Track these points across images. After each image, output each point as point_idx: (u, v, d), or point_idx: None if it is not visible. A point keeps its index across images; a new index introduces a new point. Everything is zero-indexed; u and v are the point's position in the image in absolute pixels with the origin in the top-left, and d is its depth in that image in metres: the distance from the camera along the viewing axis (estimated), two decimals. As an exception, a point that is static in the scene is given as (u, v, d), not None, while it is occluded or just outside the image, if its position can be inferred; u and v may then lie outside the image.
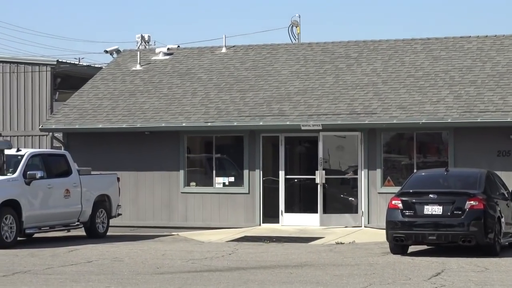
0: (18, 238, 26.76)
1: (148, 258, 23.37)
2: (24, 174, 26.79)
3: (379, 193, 30.59)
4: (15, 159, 26.90)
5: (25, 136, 37.45)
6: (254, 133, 32.53)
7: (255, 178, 32.61)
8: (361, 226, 30.86)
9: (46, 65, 41.30)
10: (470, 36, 36.23)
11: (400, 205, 23.85)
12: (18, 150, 28.09)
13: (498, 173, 26.62)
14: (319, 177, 31.94)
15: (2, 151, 6.71)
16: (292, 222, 31.98)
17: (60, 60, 43.28)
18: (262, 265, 21.89)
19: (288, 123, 31.91)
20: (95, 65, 43.73)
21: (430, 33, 38.49)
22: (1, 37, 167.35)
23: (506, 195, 25.16)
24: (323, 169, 32.03)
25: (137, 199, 32.72)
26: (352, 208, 31.85)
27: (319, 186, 32.04)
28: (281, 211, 32.39)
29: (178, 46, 39.43)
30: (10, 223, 26.19)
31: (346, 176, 32.73)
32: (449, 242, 23.49)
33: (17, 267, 21.06)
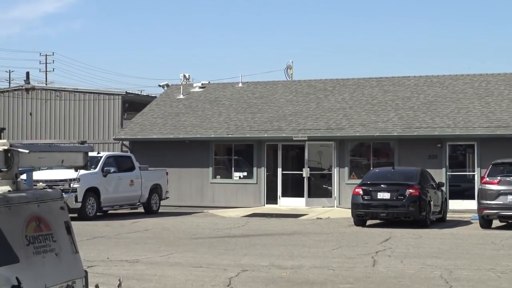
0: (97, 214, 27.05)
1: (186, 228, 23.44)
2: (102, 169, 27.23)
3: (346, 184, 30.44)
4: (96, 159, 27.11)
5: (103, 143, 37.45)
6: (260, 142, 32.47)
7: (261, 173, 32.53)
8: (334, 207, 30.71)
9: (118, 94, 41.35)
10: (409, 76, 36.10)
11: (361, 192, 23.99)
12: (98, 153, 28.35)
13: (429, 170, 26.58)
14: (305, 172, 31.84)
15: (87, 153, 6.69)
16: (286, 204, 31.84)
17: (127, 91, 43.33)
18: (266, 233, 21.93)
19: (284, 135, 31.85)
20: (152, 95, 43.65)
21: (382, 73, 38.73)
22: (86, 75, 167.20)
23: (434, 186, 25.27)
24: (308, 167, 31.99)
25: (180, 187, 32.65)
26: (328, 194, 31.71)
27: (305, 178, 31.91)
28: (279, 195, 32.28)
29: (209, 82, 39.33)
30: (92, 203, 26.60)
31: (324, 171, 32.61)
32: (395, 218, 23.86)
33: (96, 233, 21.22)
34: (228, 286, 12.28)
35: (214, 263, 14.87)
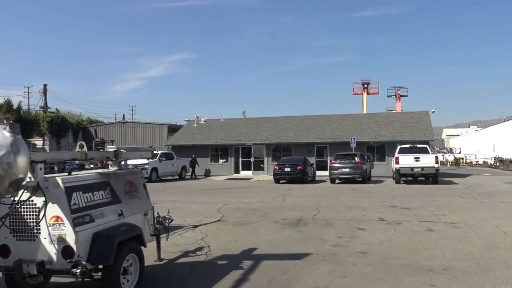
0: (157, 179, 26.22)
1: (198, 185, 22.91)
2: (159, 159, 26.44)
3: (270, 164, 30.23)
4: (156, 154, 26.52)
5: (159, 147, 36.66)
6: (232, 145, 32.11)
7: (232, 160, 32.22)
8: (265, 175, 30.59)
9: (166, 125, 40.91)
10: (298, 116, 36.24)
11: (277, 168, 23.78)
12: (157, 151, 27.75)
13: (308, 158, 26.59)
14: (252, 159, 31.67)
15: (152, 151, 6.53)
16: (243, 174, 31.55)
17: (170, 123, 42.80)
18: (234, 187, 21.54)
19: (242, 142, 31.62)
20: (181, 125, 43.11)
21: (287, 114, 38.51)
22: (151, 115, 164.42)
23: (310, 165, 25.08)
24: (253, 157, 31.83)
25: (195, 167, 32.24)
26: (262, 169, 31.60)
27: (252, 162, 31.77)
28: (240, 170, 31.99)
29: (208, 118, 38.87)
30: (154, 175, 25.81)
31: (260, 159, 32.45)
32: (293, 180, 23.42)
33: (156, 188, 20.54)
34: (218, 211, 12.14)
35: (211, 201, 14.70)
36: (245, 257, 6.87)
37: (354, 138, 27.05)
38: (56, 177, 4.45)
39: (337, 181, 23.38)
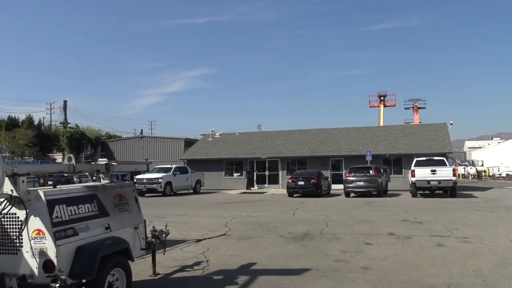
0: (171, 193, 26.05)
1: (211, 199, 22.74)
2: (173, 173, 26.30)
3: (285, 177, 29.85)
4: (171, 168, 26.62)
5: (175, 161, 36.95)
6: (246, 159, 31.95)
7: (244, 173, 32.15)
8: (280, 188, 30.25)
9: (183, 139, 41.22)
10: (313, 129, 35.91)
11: (291, 181, 23.52)
12: (171, 165, 27.82)
13: (322, 171, 26.18)
14: (266, 173, 31.45)
15: (148, 165, 6.34)
16: (258, 188, 31.38)
17: (186, 137, 43.11)
18: (246, 200, 21.34)
19: (256, 156, 31.48)
20: (197, 139, 43.30)
21: (302, 127, 37.78)
22: (169, 130, 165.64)
23: (324, 178, 24.74)
24: (268, 170, 31.54)
25: (209, 180, 31.85)
26: (277, 182, 31.30)
27: (267, 176, 31.54)
28: (255, 183, 31.74)
29: (223, 132, 38.95)
30: (169, 188, 25.61)
31: (275, 172, 32.08)
32: (307, 193, 23.06)
33: (169, 202, 20.53)
34: (225, 225, 11.97)
35: (220, 215, 14.54)
36: (242, 272, 6.66)
37: (369, 151, 26.59)
38: (39, 190, 4.40)
39: (352, 194, 22.86)
